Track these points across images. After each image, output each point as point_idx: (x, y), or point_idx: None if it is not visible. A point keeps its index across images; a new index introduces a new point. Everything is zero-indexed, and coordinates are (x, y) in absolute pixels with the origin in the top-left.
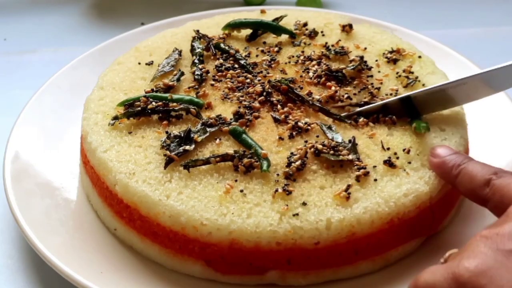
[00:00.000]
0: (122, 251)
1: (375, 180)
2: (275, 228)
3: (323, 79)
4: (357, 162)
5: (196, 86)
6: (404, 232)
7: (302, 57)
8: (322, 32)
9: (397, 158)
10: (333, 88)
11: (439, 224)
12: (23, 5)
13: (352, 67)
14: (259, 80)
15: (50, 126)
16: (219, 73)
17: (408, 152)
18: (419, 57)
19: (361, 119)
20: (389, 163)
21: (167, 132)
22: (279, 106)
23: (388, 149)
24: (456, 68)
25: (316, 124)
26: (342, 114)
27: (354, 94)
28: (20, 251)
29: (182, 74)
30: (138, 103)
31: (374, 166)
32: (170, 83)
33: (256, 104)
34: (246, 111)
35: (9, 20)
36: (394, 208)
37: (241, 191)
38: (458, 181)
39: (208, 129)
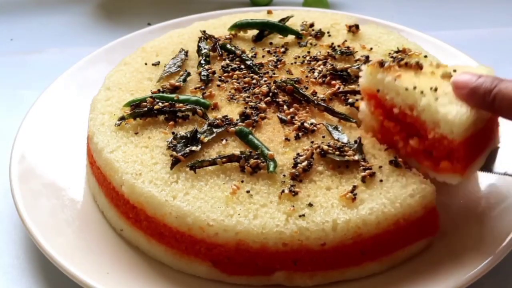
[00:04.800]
0: (128, 252)
1: (381, 180)
2: (281, 229)
3: (328, 78)
4: (362, 163)
5: (203, 87)
6: (411, 232)
7: (308, 58)
8: (328, 32)
9: (424, 95)
10: (337, 86)
11: (463, 166)
12: (29, 5)
13: (357, 66)
14: (265, 81)
15: (56, 126)
16: (226, 74)
17: (436, 90)
18: (425, 56)
19: (387, 63)
20: (394, 163)
21: (173, 133)
22: (285, 107)
23: (415, 88)
24: None
25: (322, 124)
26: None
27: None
28: (26, 251)
29: (189, 74)
30: (145, 103)
31: (380, 167)
32: (177, 83)
33: (262, 105)
34: (253, 111)
35: (15, 21)
36: (400, 209)
37: (248, 192)
38: (497, 107)
39: (214, 130)
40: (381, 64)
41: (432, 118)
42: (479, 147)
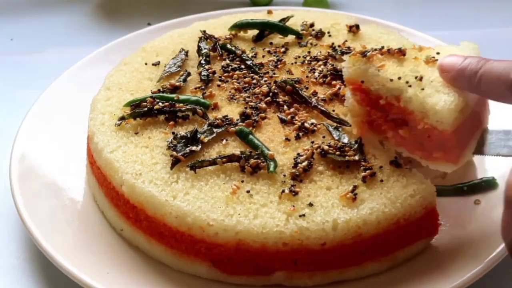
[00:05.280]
0: (128, 252)
1: (381, 181)
2: (281, 229)
3: (329, 78)
4: (363, 163)
5: (203, 87)
6: (411, 232)
7: (308, 58)
8: (328, 32)
9: (410, 86)
10: (337, 86)
11: (455, 155)
12: (29, 5)
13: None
14: (265, 81)
15: (56, 126)
16: (226, 74)
17: (421, 79)
18: None
19: (369, 53)
20: (395, 164)
21: (173, 133)
22: (285, 107)
23: (399, 78)
24: None
25: (323, 124)
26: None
27: None
28: (26, 252)
29: (189, 74)
30: (145, 103)
31: (381, 167)
32: (177, 83)
33: (263, 105)
34: (253, 111)
35: (15, 20)
36: (400, 209)
37: (248, 191)
38: (483, 89)
39: (214, 130)
40: (363, 54)
41: (420, 109)
42: (469, 132)
